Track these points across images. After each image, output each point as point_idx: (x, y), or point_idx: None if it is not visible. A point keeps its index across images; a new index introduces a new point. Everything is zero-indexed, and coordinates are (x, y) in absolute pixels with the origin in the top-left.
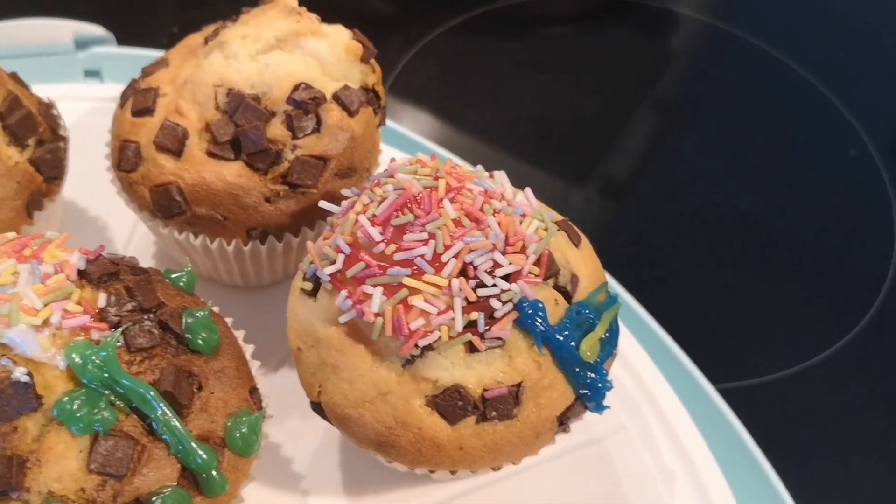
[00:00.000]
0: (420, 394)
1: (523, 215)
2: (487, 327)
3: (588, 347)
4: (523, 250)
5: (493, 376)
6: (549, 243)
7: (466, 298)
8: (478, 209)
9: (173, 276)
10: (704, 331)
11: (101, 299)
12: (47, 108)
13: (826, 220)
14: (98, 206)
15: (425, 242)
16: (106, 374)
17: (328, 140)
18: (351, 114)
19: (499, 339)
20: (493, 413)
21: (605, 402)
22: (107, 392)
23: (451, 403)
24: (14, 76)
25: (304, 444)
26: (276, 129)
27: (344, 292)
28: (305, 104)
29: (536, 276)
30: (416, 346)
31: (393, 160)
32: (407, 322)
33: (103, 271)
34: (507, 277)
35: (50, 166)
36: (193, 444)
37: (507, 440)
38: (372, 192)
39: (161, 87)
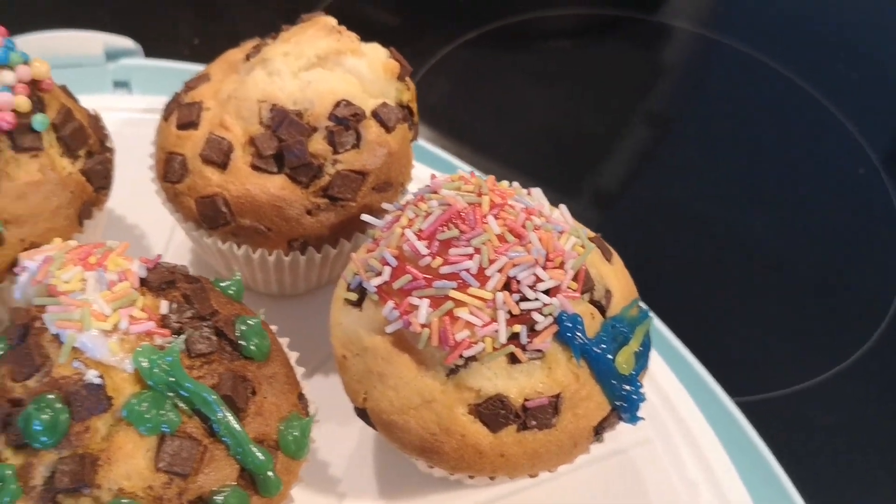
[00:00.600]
0: (463, 402)
1: (561, 232)
2: (529, 340)
3: (624, 360)
4: (562, 266)
5: (534, 387)
6: (586, 259)
7: (509, 311)
8: (520, 225)
9: (223, 284)
10: (713, 343)
11: (163, 306)
12: (95, 120)
13: (836, 233)
14: (135, 213)
15: (471, 257)
16: (172, 379)
17: (367, 155)
18: (388, 130)
19: (539, 351)
20: (534, 422)
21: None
22: (171, 395)
23: (493, 412)
24: (64, 89)
25: (341, 448)
26: (318, 144)
27: (391, 303)
28: (346, 120)
29: (574, 290)
30: (461, 356)
31: (434, 176)
32: (453, 333)
33: (162, 279)
34: (547, 292)
35: (99, 177)
36: (252, 447)
37: (547, 448)
38: (417, 207)
39: (204, 102)
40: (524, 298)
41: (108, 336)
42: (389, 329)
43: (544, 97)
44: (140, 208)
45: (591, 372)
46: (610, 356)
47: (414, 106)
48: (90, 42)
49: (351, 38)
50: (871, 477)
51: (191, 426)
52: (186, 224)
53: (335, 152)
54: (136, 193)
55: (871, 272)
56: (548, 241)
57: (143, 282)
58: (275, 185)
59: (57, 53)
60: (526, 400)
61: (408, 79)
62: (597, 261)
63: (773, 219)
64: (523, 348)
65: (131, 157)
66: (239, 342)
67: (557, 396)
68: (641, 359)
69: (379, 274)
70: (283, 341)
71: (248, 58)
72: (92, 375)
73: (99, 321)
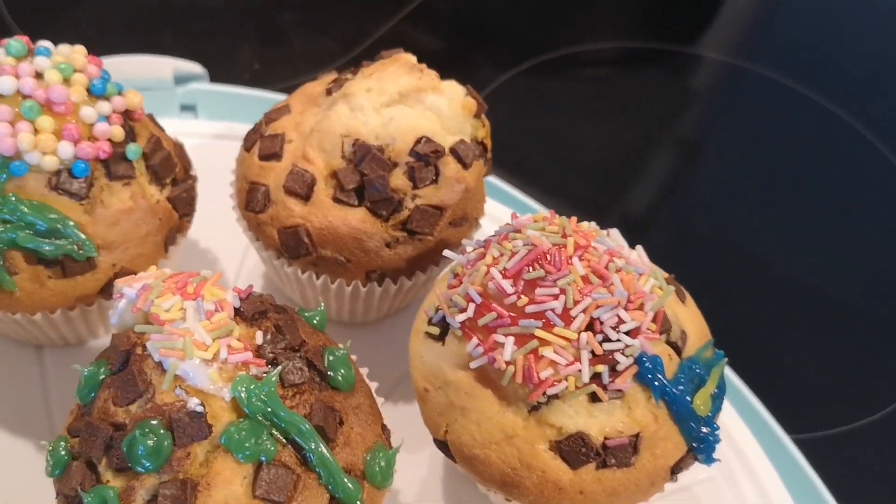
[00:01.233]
0: (545, 439)
1: (641, 273)
2: (611, 380)
3: (701, 402)
4: (642, 307)
5: (614, 426)
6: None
7: (592, 351)
8: (603, 267)
9: (307, 314)
10: (763, 378)
11: (259, 337)
12: (180, 148)
13: (883, 265)
14: (207, 238)
15: (556, 297)
16: (269, 409)
17: (445, 191)
18: (466, 166)
19: (620, 391)
20: (613, 460)
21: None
22: (267, 424)
23: (574, 449)
24: (151, 117)
25: (412, 475)
26: (398, 179)
27: (475, 340)
28: (427, 157)
29: (653, 332)
30: (544, 394)
31: (515, 215)
32: (537, 371)
33: (255, 310)
34: (628, 333)
35: (185, 204)
36: (343, 477)
37: (625, 487)
38: (501, 246)
39: (287, 134)
40: (607, 339)
41: (209, 365)
42: (473, 365)
43: (585, 125)
44: (212, 233)
45: (669, 413)
46: (688, 398)
47: (488, 142)
48: (161, 67)
49: (431, 76)
50: None
51: (285, 455)
52: (267, 252)
53: (415, 187)
54: (207, 218)
55: None
56: (629, 283)
57: (236, 311)
58: (356, 218)
59: (128, 77)
60: (606, 438)
61: (483, 115)
62: (673, 302)
63: (822, 253)
64: (604, 388)
65: (201, 182)
66: (327, 373)
67: (637, 436)
68: (717, 400)
69: (463, 310)
70: (363, 371)
71: (328, 92)
72: (194, 403)
73: (200, 350)
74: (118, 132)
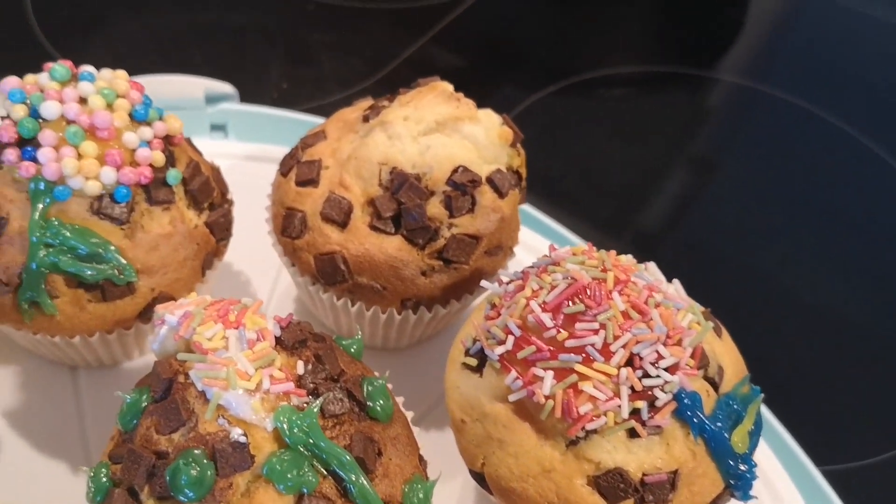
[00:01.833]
0: (582, 473)
1: (679, 308)
2: (650, 416)
3: (739, 439)
4: (680, 343)
5: (652, 462)
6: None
7: (631, 387)
8: (643, 302)
9: (344, 342)
10: (790, 408)
11: (300, 367)
12: (217, 172)
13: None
14: (240, 261)
15: (596, 332)
16: (311, 440)
17: (481, 220)
18: (501, 195)
19: (658, 427)
20: (651, 497)
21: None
22: (308, 455)
23: (612, 485)
24: (189, 141)
25: None
26: (435, 208)
27: (514, 373)
28: (464, 186)
29: (692, 367)
30: (583, 428)
31: (553, 247)
32: (576, 406)
33: (295, 339)
34: (667, 368)
35: (222, 228)
36: None
37: None
38: (540, 279)
39: (323, 160)
40: (646, 375)
41: (252, 395)
42: (512, 398)
43: (607, 147)
44: (244, 256)
45: (707, 450)
46: (726, 434)
47: (523, 171)
48: (192, 86)
49: (468, 105)
50: None
51: (326, 486)
52: (303, 278)
53: (451, 216)
54: (239, 241)
55: None
56: (668, 319)
57: (277, 340)
58: (392, 246)
59: (160, 96)
60: (644, 475)
61: (518, 145)
62: (710, 337)
63: (838, 275)
64: (643, 424)
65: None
66: (366, 403)
67: (675, 473)
68: (754, 437)
69: (502, 342)
70: (399, 399)
71: (365, 118)
72: (237, 434)
73: (243, 380)
74: (159, 157)
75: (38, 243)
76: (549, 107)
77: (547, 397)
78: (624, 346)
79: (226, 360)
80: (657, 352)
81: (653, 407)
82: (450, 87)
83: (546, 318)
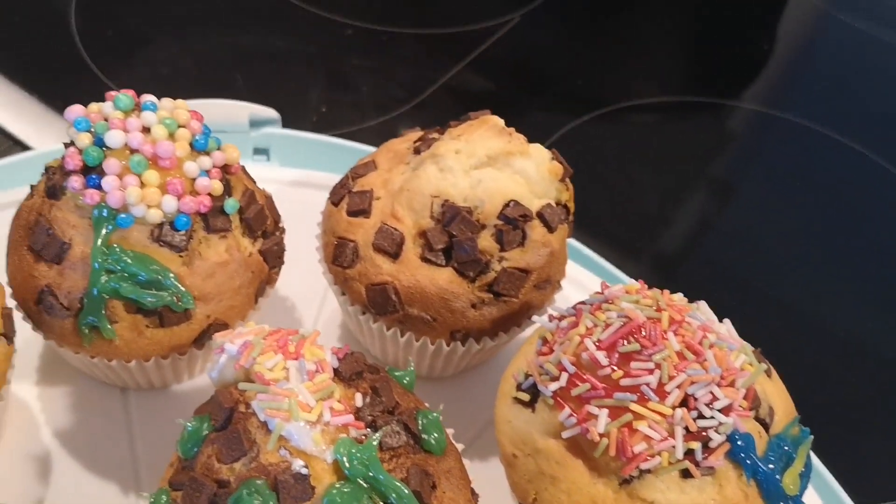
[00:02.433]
0: None
1: (732, 349)
2: (704, 456)
3: (791, 481)
4: (733, 384)
5: (705, 503)
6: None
7: (686, 427)
8: (697, 342)
9: (397, 374)
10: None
11: (358, 399)
12: (270, 201)
13: None
14: (285, 287)
15: (651, 371)
16: (370, 473)
17: (531, 254)
18: (551, 230)
19: (711, 468)
20: None
21: None
22: (367, 487)
23: None
24: (244, 170)
25: None
26: (486, 242)
27: (567, 409)
28: (515, 220)
29: (744, 409)
30: (638, 468)
31: (605, 285)
32: (631, 445)
33: (352, 370)
34: (721, 410)
35: (275, 256)
36: None
37: None
38: (594, 317)
39: (375, 191)
40: (701, 416)
41: (313, 427)
42: (566, 434)
43: (639, 175)
44: (290, 282)
45: (759, 491)
46: (778, 476)
47: (571, 205)
48: (238, 111)
49: (520, 139)
50: None
51: None
52: (353, 308)
53: (502, 250)
54: (283, 267)
55: None
56: (722, 359)
57: (335, 371)
58: (443, 278)
59: (206, 119)
60: None
61: (567, 179)
62: (761, 378)
63: (861, 304)
64: (697, 464)
65: None
66: (421, 436)
67: None
68: (804, 479)
69: (555, 379)
70: (449, 431)
71: (416, 150)
72: (298, 465)
73: (304, 412)
74: (218, 186)
75: (100, 269)
76: (581, 136)
77: (601, 435)
78: (679, 387)
79: (287, 392)
80: (712, 393)
81: (706, 448)
82: (500, 121)
83: (601, 357)
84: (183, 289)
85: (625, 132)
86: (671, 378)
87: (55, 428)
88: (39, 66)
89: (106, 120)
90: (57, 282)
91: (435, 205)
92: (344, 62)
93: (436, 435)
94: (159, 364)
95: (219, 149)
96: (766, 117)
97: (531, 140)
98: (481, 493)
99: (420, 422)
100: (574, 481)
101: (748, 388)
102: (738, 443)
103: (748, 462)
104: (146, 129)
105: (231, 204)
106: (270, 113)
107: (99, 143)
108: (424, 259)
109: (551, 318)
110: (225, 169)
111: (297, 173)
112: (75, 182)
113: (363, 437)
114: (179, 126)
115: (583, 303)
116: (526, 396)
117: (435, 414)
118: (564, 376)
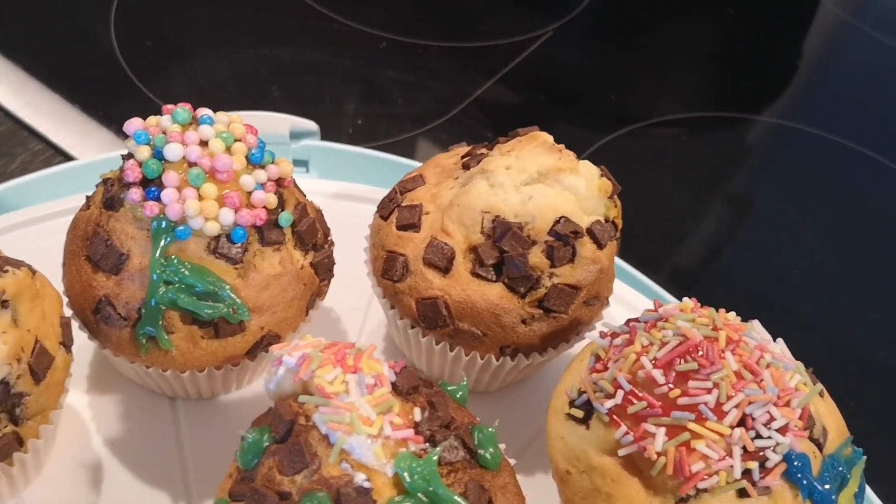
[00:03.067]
0: None
1: (788, 369)
2: (761, 476)
3: (846, 502)
4: (789, 404)
5: None
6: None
7: (744, 447)
8: (754, 362)
9: (449, 388)
10: None
11: (417, 413)
12: (320, 214)
13: None
14: (330, 299)
15: (709, 391)
16: (430, 487)
17: (581, 271)
18: (601, 246)
19: (767, 487)
20: None
21: None
22: (426, 501)
23: None
24: (294, 183)
25: None
26: (536, 258)
27: (623, 427)
28: (566, 237)
29: (800, 429)
30: (695, 487)
31: (658, 303)
32: (689, 464)
33: (409, 384)
34: (778, 430)
35: (325, 269)
36: None
37: None
38: (650, 335)
39: (424, 206)
40: (758, 436)
41: (374, 441)
42: (622, 452)
43: (667, 189)
44: (334, 294)
45: None
46: (834, 497)
47: (619, 222)
48: (279, 123)
49: (570, 156)
50: None
51: None
52: (402, 321)
53: (552, 266)
54: None
55: None
56: (778, 379)
57: (392, 385)
58: (493, 293)
59: None
60: None
61: (615, 196)
62: (815, 398)
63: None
64: (754, 484)
65: None
66: (477, 451)
67: None
68: (858, 499)
69: (610, 396)
70: (501, 447)
71: (465, 166)
72: (361, 479)
73: (366, 426)
74: (273, 200)
75: (159, 280)
76: (612, 152)
77: (659, 454)
78: (737, 406)
79: (349, 405)
80: (769, 412)
81: (763, 468)
82: (550, 137)
83: (657, 375)
84: (238, 301)
85: (653, 148)
86: (729, 397)
87: (106, 436)
88: (81, 77)
89: (164, 133)
90: (115, 292)
91: (485, 220)
92: (378, 75)
93: (491, 450)
94: (211, 374)
95: (273, 162)
96: (792, 131)
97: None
98: None
99: (476, 437)
100: (630, 499)
101: (803, 408)
102: (795, 463)
103: (804, 482)
104: (203, 143)
105: (285, 217)
106: (310, 125)
107: (158, 155)
108: (475, 274)
109: (603, 334)
110: (278, 182)
111: (337, 185)
112: (135, 194)
113: (422, 452)
114: (236, 140)
115: (636, 320)
116: (580, 413)
117: (491, 429)
118: (620, 394)
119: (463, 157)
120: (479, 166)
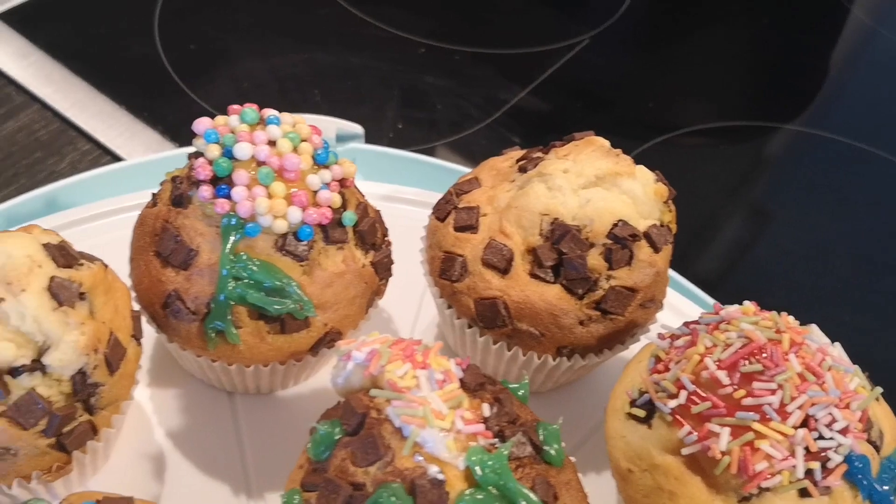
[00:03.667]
0: None
1: (847, 372)
2: (823, 476)
3: None
4: (848, 406)
5: None
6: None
7: (806, 447)
8: (817, 365)
9: (511, 386)
10: None
11: (485, 409)
12: (379, 214)
13: None
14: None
15: (773, 392)
16: (501, 481)
17: (638, 273)
18: (657, 250)
19: (828, 487)
20: None
21: None
22: (497, 494)
23: None
24: (354, 185)
25: None
26: (595, 260)
27: (687, 427)
28: (624, 240)
29: (860, 431)
30: (758, 486)
31: (718, 306)
32: (752, 463)
33: (476, 381)
34: (839, 431)
35: (385, 268)
36: None
37: None
38: (713, 336)
39: (481, 207)
40: (821, 437)
41: (446, 434)
42: (686, 451)
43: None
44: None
45: None
46: (892, 498)
47: (674, 227)
48: (326, 125)
49: (627, 161)
50: None
51: None
52: (459, 321)
53: (610, 268)
54: None
55: None
56: (840, 382)
57: (461, 382)
58: (552, 294)
59: None
60: None
61: (670, 201)
62: (872, 401)
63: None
64: (815, 484)
65: None
66: (542, 447)
67: None
68: None
69: (673, 396)
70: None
71: (521, 169)
72: (434, 471)
73: (438, 419)
74: (337, 199)
75: (228, 276)
76: (647, 161)
77: (723, 453)
78: (800, 408)
79: (422, 399)
80: (831, 414)
81: (825, 468)
82: (606, 142)
83: (722, 376)
84: (305, 297)
85: (685, 157)
86: (793, 399)
87: (167, 428)
88: (127, 79)
89: (232, 132)
90: (184, 287)
91: (544, 222)
92: (417, 80)
93: (556, 446)
94: (274, 369)
95: (336, 163)
96: (820, 139)
97: None
98: None
99: (541, 433)
100: (693, 497)
101: (863, 411)
102: (856, 464)
103: (864, 483)
104: (271, 143)
105: (349, 216)
106: (356, 128)
107: (227, 154)
108: (533, 275)
109: (662, 336)
110: (341, 182)
111: (382, 187)
112: (205, 191)
113: (491, 447)
114: (302, 140)
115: (695, 322)
116: (641, 413)
117: (555, 426)
118: (683, 394)
119: (518, 161)
120: (537, 169)
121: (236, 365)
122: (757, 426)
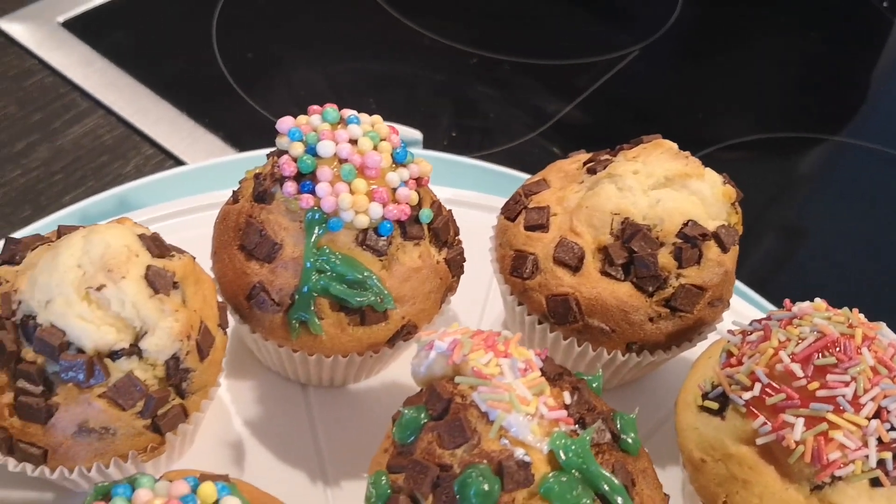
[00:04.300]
0: None
1: None
2: (894, 466)
3: None
4: None
5: None
6: None
7: (879, 438)
8: (889, 358)
9: (586, 378)
10: None
11: (566, 396)
12: (451, 213)
13: None
14: None
15: (847, 384)
16: (584, 465)
17: (707, 272)
18: (725, 250)
19: None
20: None
21: None
22: (579, 478)
23: None
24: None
25: None
26: (664, 258)
27: (761, 418)
28: (694, 239)
29: None
30: (831, 475)
31: (789, 302)
32: (826, 453)
33: (554, 371)
34: None
35: (457, 265)
36: None
37: None
38: (787, 331)
39: (551, 207)
40: (893, 428)
41: (531, 419)
42: (760, 441)
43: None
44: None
45: None
46: None
47: (740, 228)
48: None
49: (696, 163)
50: None
51: None
52: (530, 317)
53: (679, 267)
54: None
55: None
56: None
57: (541, 371)
58: (622, 292)
59: None
60: None
61: (736, 203)
62: None
63: None
64: (887, 474)
65: None
66: (620, 436)
67: None
68: None
69: (747, 388)
70: None
71: (590, 170)
72: (521, 453)
73: (523, 405)
74: (414, 197)
75: (312, 269)
76: None
77: (797, 443)
78: (873, 399)
79: (507, 386)
80: None
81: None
82: (675, 145)
83: (796, 368)
84: (385, 290)
85: (730, 168)
86: (866, 391)
87: (245, 417)
88: (187, 86)
89: (314, 131)
90: (269, 279)
91: (615, 222)
92: (470, 89)
93: (633, 435)
94: (352, 361)
95: (413, 162)
96: (863, 150)
97: None
98: None
99: (618, 422)
100: (766, 486)
101: None
102: None
103: None
104: (352, 141)
105: (426, 214)
106: (415, 133)
107: (311, 151)
108: (604, 273)
109: (733, 332)
110: (418, 181)
111: (442, 191)
112: (290, 187)
113: (572, 433)
114: (381, 139)
115: (768, 318)
116: (714, 405)
117: (632, 416)
118: (758, 386)
119: (585, 164)
120: (606, 171)
121: (316, 355)
122: (831, 417)
